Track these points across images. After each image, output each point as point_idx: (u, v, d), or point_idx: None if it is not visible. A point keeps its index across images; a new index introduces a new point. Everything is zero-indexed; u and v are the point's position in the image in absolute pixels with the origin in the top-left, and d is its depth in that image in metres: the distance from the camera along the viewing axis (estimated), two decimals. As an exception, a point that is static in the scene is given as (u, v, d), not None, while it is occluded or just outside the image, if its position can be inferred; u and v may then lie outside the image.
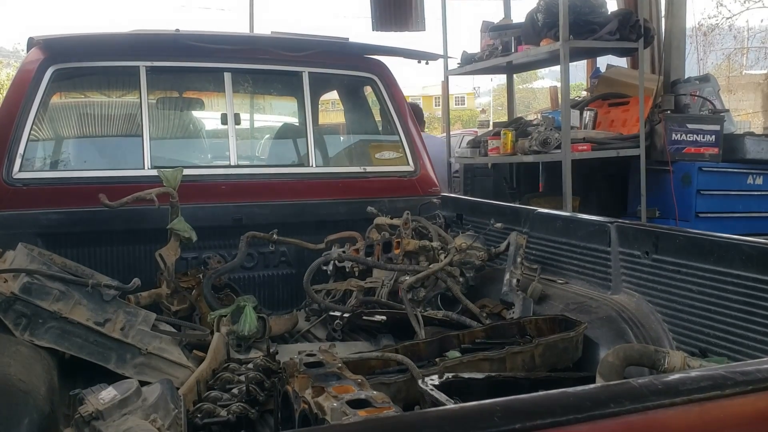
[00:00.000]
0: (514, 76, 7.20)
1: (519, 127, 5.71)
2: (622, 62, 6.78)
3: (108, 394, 1.95)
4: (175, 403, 2.06)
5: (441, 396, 1.79)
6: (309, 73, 3.97)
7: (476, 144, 6.13)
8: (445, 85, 6.31)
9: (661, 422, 0.92)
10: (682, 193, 5.10)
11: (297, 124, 4.22)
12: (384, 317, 2.97)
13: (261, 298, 3.68)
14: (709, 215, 5.10)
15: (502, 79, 7.63)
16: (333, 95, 4.78)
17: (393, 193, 3.99)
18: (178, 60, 3.78)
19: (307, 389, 1.81)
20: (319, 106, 4.41)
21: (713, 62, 28.05)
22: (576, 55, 5.67)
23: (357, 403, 1.67)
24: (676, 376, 0.98)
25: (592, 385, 0.97)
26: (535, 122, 5.77)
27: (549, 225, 3.19)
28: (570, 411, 0.87)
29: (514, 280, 2.92)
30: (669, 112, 5.18)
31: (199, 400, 2.30)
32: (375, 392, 1.74)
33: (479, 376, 2.02)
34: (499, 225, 3.25)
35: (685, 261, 2.44)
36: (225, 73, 3.81)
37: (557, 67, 5.68)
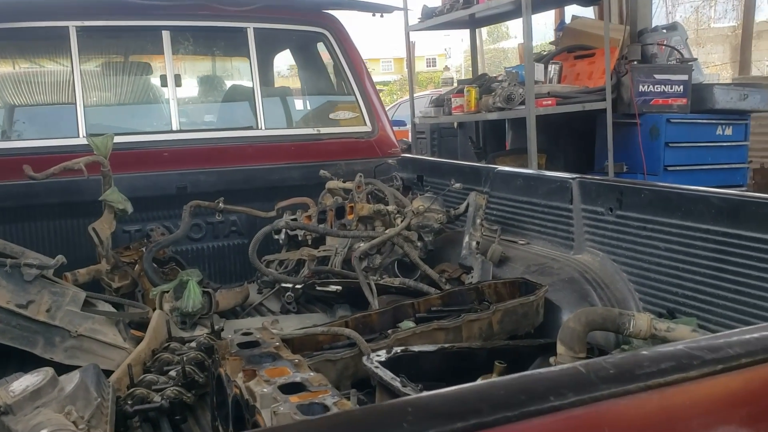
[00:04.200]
0: (485, 36, 6.96)
1: (483, 84, 5.51)
2: (589, 13, 6.58)
3: (20, 385, 1.76)
4: (99, 391, 1.87)
5: (386, 374, 1.63)
6: (254, 29, 3.72)
7: (440, 103, 5.93)
8: (408, 41, 6.06)
9: (614, 414, 0.76)
10: (650, 147, 4.96)
11: (246, 86, 3.97)
12: (339, 287, 2.79)
13: (212, 271, 3.50)
14: (677, 168, 4.98)
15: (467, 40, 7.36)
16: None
17: (350, 155, 3.79)
18: (112, 19, 3.50)
19: (239, 372, 1.63)
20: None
21: (681, 15, 27.93)
22: (539, 5, 5.46)
23: (290, 388, 1.50)
24: (631, 356, 0.82)
25: (527, 373, 0.80)
26: (499, 78, 5.57)
27: (510, 184, 3.02)
28: (500, 408, 0.70)
29: (474, 243, 2.75)
30: (636, 62, 5.01)
31: (133, 384, 2.12)
32: (312, 374, 1.57)
33: (431, 348, 1.86)
34: (458, 185, 3.08)
35: (651, 216, 2.29)
36: (163, 32, 3.54)
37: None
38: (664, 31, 5.54)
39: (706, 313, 2.09)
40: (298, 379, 1.53)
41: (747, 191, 7.62)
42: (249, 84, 3.81)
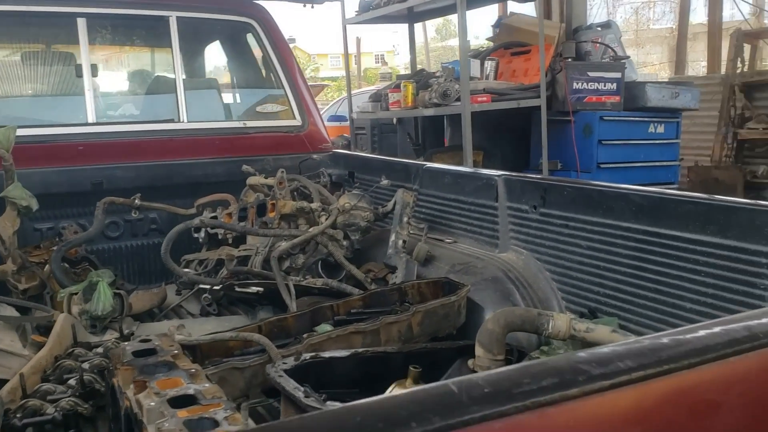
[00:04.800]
0: (433, 33, 6.91)
1: (421, 79, 5.45)
2: (530, 10, 6.59)
3: None
4: (-19, 405, 1.72)
5: (289, 383, 1.53)
6: (177, 18, 3.55)
7: (377, 98, 5.85)
8: (345, 34, 5.96)
9: (488, 439, 0.67)
10: (584, 144, 4.99)
11: (169, 77, 3.80)
12: (260, 288, 2.68)
13: (130, 271, 3.33)
14: (610, 165, 5.02)
15: (422, 36, 7.30)
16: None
17: (279, 150, 3.67)
18: (23, 3, 3.29)
19: (131, 383, 1.51)
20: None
21: (622, 16, 28.61)
22: (475, 1, 5.44)
23: (181, 401, 1.38)
24: (511, 372, 0.74)
25: (390, 396, 0.72)
26: (437, 74, 5.52)
27: (438, 181, 2.96)
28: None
29: (400, 242, 2.67)
30: (570, 60, 5.03)
31: (26, 395, 1.96)
32: (207, 385, 1.46)
33: (343, 354, 1.77)
34: (386, 182, 3.00)
35: (573, 214, 2.25)
36: (78, 19, 3.35)
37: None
38: (599, 29, 5.58)
39: (627, 313, 2.06)
40: (191, 391, 1.42)
41: (680, 189, 7.81)
42: (172, 75, 3.65)
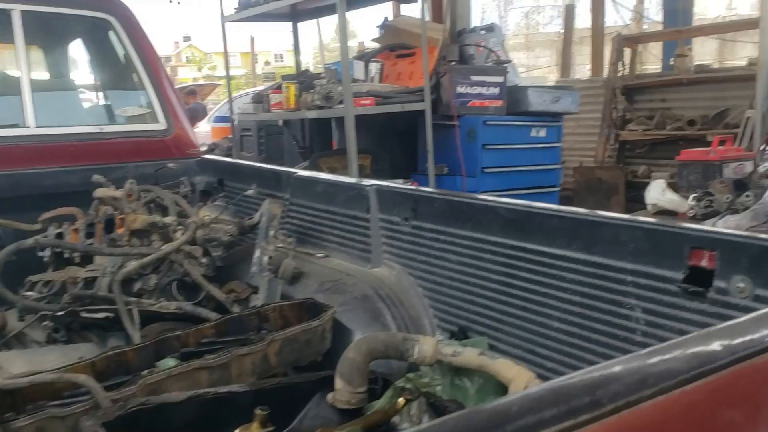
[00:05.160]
0: (333, 34, 6.69)
1: (305, 80, 5.24)
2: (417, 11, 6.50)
3: None
4: None
5: (103, 442, 1.30)
6: (22, 11, 3.19)
7: (259, 99, 5.60)
8: (224, 31, 5.67)
9: None
10: (468, 148, 4.96)
11: (13, 77, 3.42)
12: (110, 314, 2.40)
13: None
14: (494, 170, 5.02)
15: (325, 34, 7.08)
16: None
17: (141, 156, 3.37)
18: None
19: None
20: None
21: (513, 20, 29.49)
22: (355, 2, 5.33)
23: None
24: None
25: None
26: (322, 75, 5.34)
27: (309, 190, 2.78)
28: None
29: (266, 258, 2.47)
30: (454, 63, 4.98)
31: None
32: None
33: (178, 398, 1.55)
34: (252, 191, 2.79)
35: (443, 227, 2.14)
36: None
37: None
38: (483, 32, 5.58)
39: (496, 332, 1.96)
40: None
41: (565, 191, 8.01)
42: (17, 75, 3.28)
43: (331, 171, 4.90)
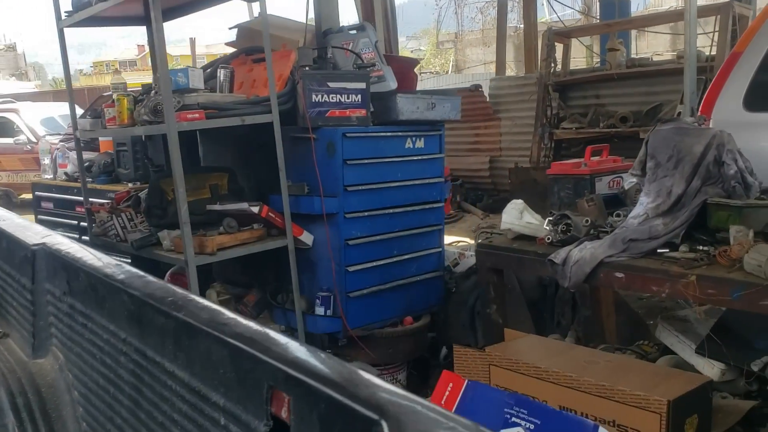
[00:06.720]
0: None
1: (145, 92, 4.57)
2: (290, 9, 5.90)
3: None
4: None
5: None
6: None
7: (98, 114, 4.91)
8: (61, 38, 4.97)
9: None
10: (328, 165, 4.33)
11: None
12: None
13: None
14: (360, 188, 4.39)
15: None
16: None
17: None
18: None
19: None
20: None
21: (468, 15, 29.19)
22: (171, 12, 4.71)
23: None
24: None
25: None
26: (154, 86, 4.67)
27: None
28: None
29: None
30: (307, 68, 4.37)
31: None
32: None
33: None
34: None
35: (90, 311, 1.52)
36: None
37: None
38: (353, 32, 4.97)
39: None
40: None
41: (499, 194, 7.38)
42: None
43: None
